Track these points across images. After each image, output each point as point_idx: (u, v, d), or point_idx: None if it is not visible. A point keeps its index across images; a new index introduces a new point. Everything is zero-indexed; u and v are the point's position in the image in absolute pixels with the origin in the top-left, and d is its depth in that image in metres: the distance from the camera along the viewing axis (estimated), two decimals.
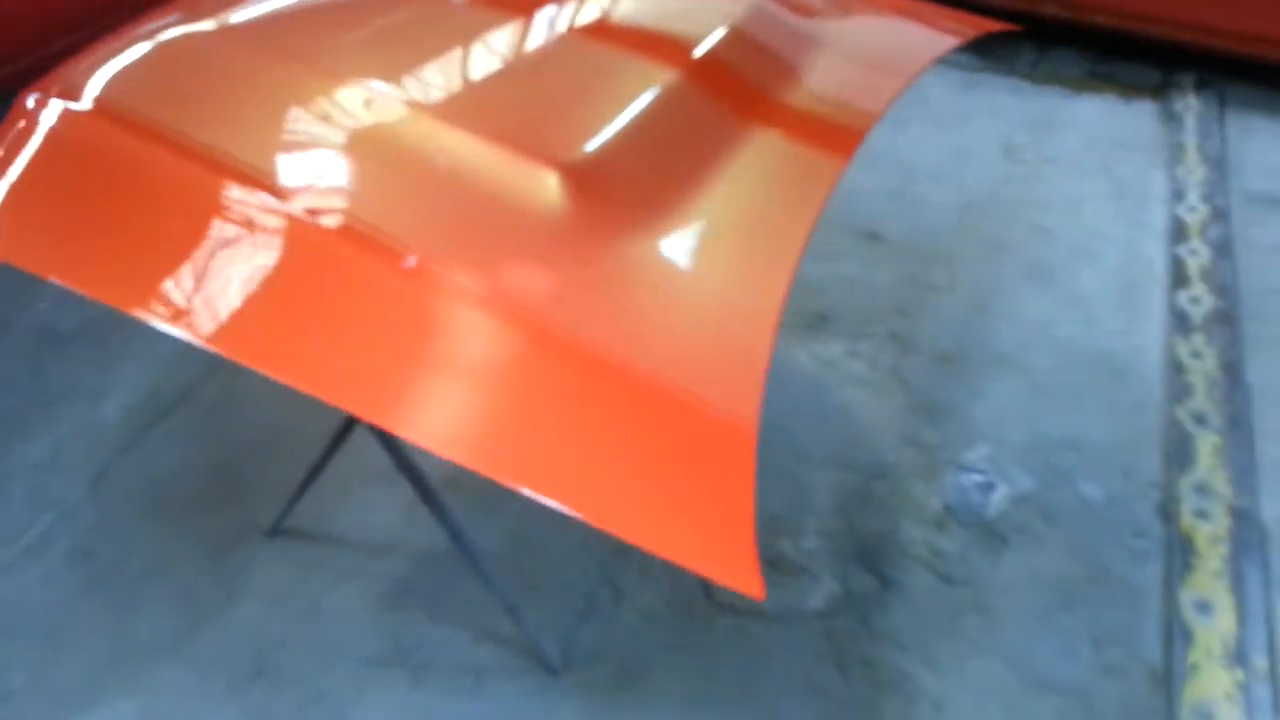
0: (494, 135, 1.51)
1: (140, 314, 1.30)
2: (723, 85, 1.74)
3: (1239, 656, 2.07)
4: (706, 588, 2.17)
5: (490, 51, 1.75)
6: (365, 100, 1.60)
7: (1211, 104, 4.18)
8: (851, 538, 2.28)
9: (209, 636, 2.05)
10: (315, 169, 1.48)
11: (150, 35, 1.76)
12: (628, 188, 1.47)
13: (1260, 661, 2.06)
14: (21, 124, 1.61)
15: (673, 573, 2.19)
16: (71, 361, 2.71)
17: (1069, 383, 2.74)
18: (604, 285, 1.36)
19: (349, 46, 1.79)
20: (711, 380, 1.23)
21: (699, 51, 1.77)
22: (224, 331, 1.26)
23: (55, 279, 1.36)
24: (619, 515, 1.11)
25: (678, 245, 1.42)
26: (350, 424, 2.04)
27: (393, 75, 1.64)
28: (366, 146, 1.53)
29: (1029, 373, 2.77)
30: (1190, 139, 3.93)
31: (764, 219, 1.49)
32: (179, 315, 1.28)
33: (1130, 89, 4.32)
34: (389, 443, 1.88)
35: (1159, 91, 4.29)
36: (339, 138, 1.54)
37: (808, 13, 2.11)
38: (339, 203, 1.42)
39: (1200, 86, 4.31)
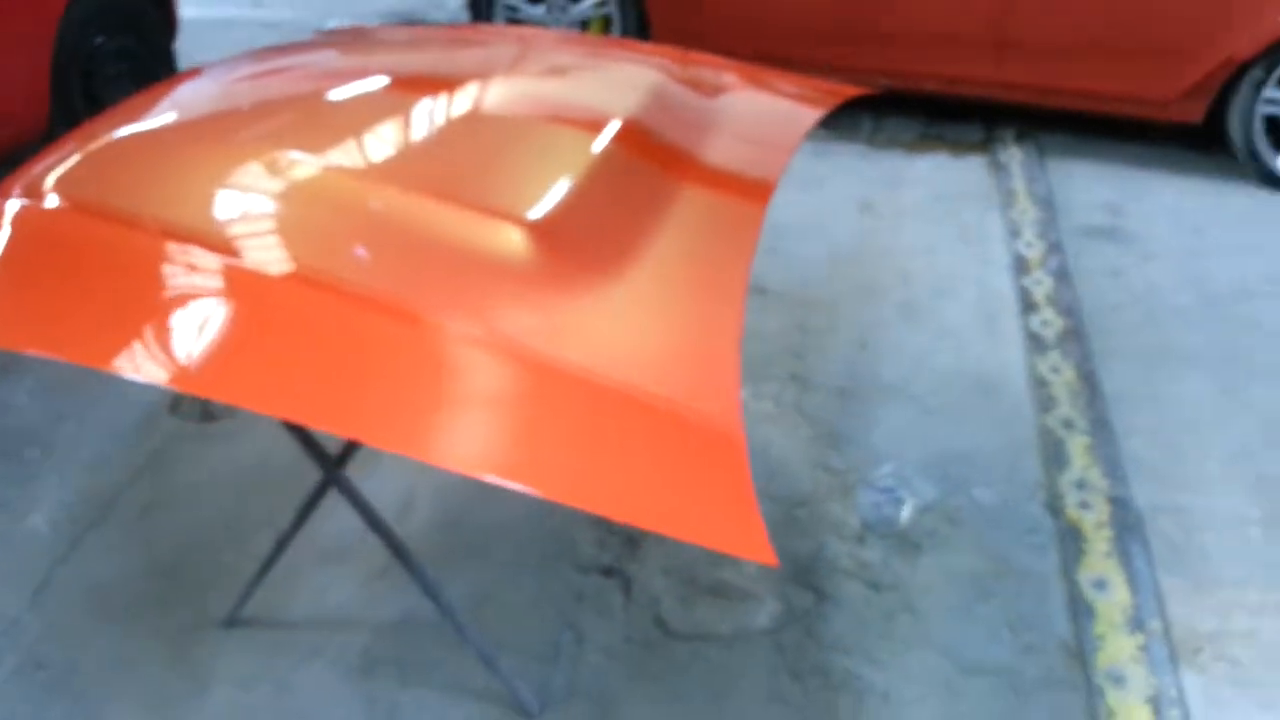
0: (454, 198, 1.66)
1: (150, 374, 1.36)
2: (646, 149, 1.96)
3: (1137, 622, 2.34)
4: (660, 620, 2.31)
5: (425, 122, 1.92)
6: (308, 170, 1.71)
7: (1031, 153, 4.70)
8: (785, 559, 2.46)
9: None
10: (274, 234, 1.60)
11: (95, 136, 1.86)
12: (584, 237, 1.65)
13: (1155, 624, 2.33)
14: None
15: (627, 609, 2.32)
16: None
17: (951, 403, 3.03)
18: (582, 319, 1.52)
19: (286, 123, 1.92)
20: (696, 390, 1.40)
21: (619, 122, 1.98)
22: (223, 375, 1.35)
23: (32, 351, 1.42)
24: (637, 508, 1.25)
25: (637, 282, 1.60)
26: (320, 493, 2.10)
27: (333, 147, 1.78)
28: (322, 211, 1.65)
29: (915, 398, 3.05)
30: (1019, 184, 4.41)
31: (708, 257, 1.70)
32: (172, 367, 1.35)
33: (960, 145, 4.81)
34: (360, 503, 1.97)
35: (985, 146, 4.80)
36: (296, 207, 1.66)
37: (699, 88, 2.37)
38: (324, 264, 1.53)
39: (1020, 138, 4.84)
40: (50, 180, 1.72)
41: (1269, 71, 4.23)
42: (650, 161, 1.94)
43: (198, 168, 1.73)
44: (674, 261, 1.67)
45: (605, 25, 4.95)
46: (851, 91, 2.58)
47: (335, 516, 2.37)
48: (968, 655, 2.25)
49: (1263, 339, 3.41)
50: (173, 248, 1.53)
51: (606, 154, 1.86)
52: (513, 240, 1.59)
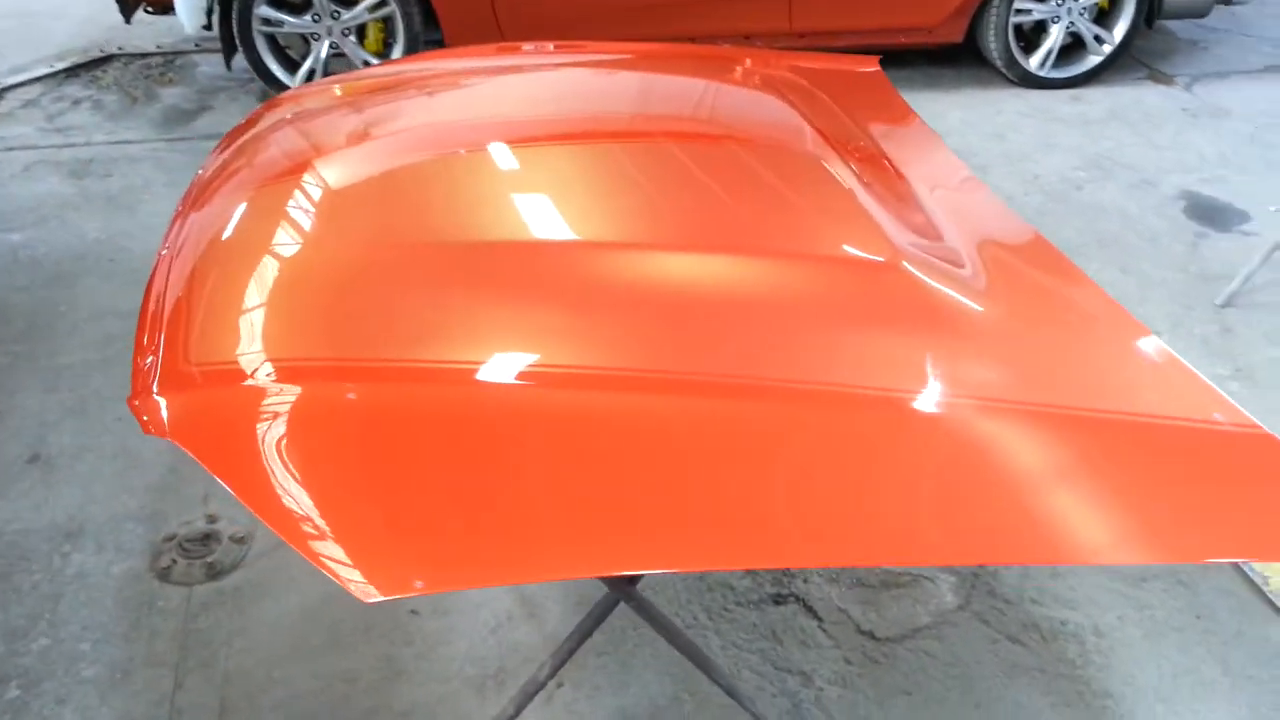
0: (811, 248, 1.45)
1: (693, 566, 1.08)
2: (873, 167, 1.82)
3: None
4: (861, 629, 2.21)
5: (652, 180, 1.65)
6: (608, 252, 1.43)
7: None
8: None
9: None
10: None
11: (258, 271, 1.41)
12: (939, 263, 1.49)
13: None
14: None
15: (826, 631, 2.20)
16: None
17: None
18: (1018, 354, 1.38)
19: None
20: (1181, 398, 1.32)
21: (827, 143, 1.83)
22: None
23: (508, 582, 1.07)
24: (1241, 542, 1.17)
25: (1006, 298, 1.48)
26: (607, 611, 1.74)
27: (606, 225, 1.49)
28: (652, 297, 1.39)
29: None
30: None
31: (1023, 254, 1.61)
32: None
33: None
34: (656, 618, 1.70)
35: None
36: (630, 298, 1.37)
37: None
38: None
39: None
40: (273, 348, 1.29)
41: None
42: (880, 175, 1.81)
43: (468, 291, 1.38)
44: (1009, 265, 1.57)
45: (385, 28, 4.49)
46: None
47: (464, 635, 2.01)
48: (1127, 570, 2.36)
49: (1118, 219, 3.85)
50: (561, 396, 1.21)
51: (848, 175, 1.70)
52: (903, 280, 1.41)
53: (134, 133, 4.47)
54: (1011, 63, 4.91)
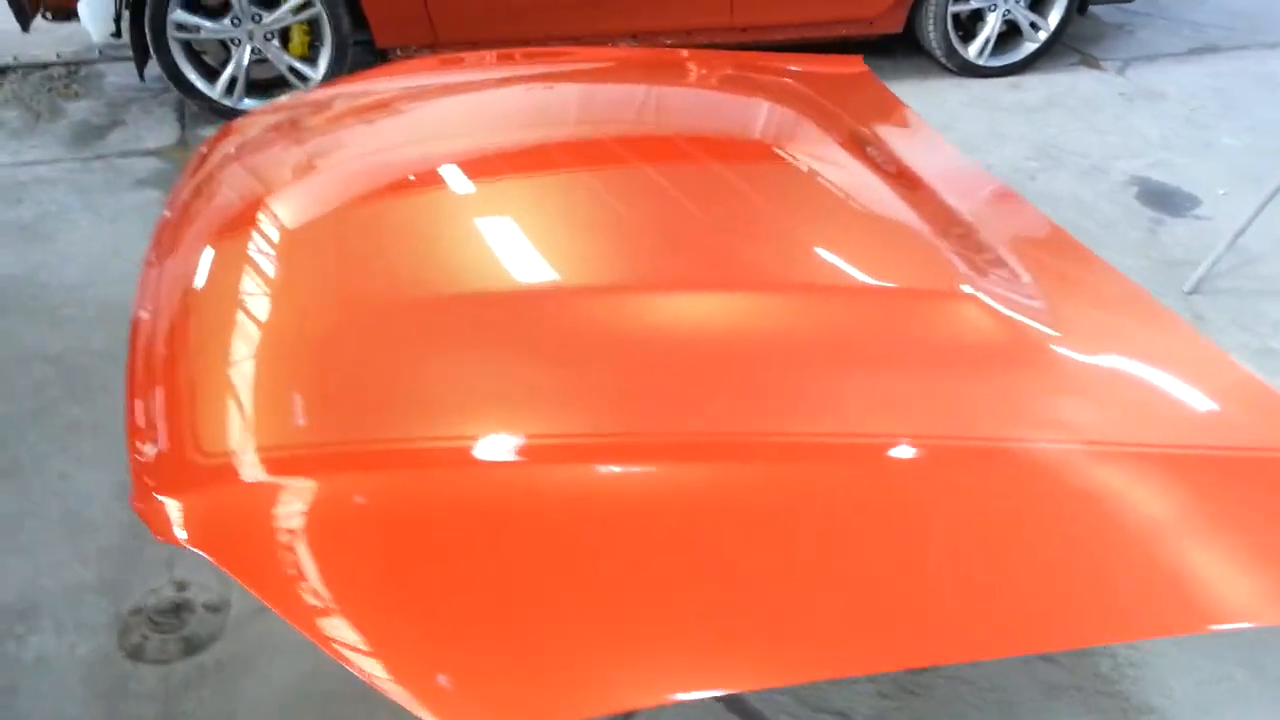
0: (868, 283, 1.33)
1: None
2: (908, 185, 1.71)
3: None
4: None
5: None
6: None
7: None
8: None
9: None
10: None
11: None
12: (1003, 283, 1.39)
13: None
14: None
15: None
16: None
17: None
18: (1094, 388, 1.29)
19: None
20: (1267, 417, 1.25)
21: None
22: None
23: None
24: None
25: (1074, 314, 1.39)
26: None
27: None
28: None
29: None
30: None
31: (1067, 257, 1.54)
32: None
33: None
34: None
35: None
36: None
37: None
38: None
39: None
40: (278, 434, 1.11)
41: None
42: (908, 190, 1.70)
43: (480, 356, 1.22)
44: (1064, 283, 1.48)
45: (310, 30, 4.23)
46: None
47: None
48: None
49: (1074, 207, 3.85)
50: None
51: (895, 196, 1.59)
52: (971, 316, 1.30)
53: (41, 152, 4.13)
54: (951, 52, 4.89)
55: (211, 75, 4.23)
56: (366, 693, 1.99)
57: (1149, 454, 1.18)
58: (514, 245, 1.49)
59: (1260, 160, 4.20)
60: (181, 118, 4.42)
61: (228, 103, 4.22)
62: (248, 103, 4.21)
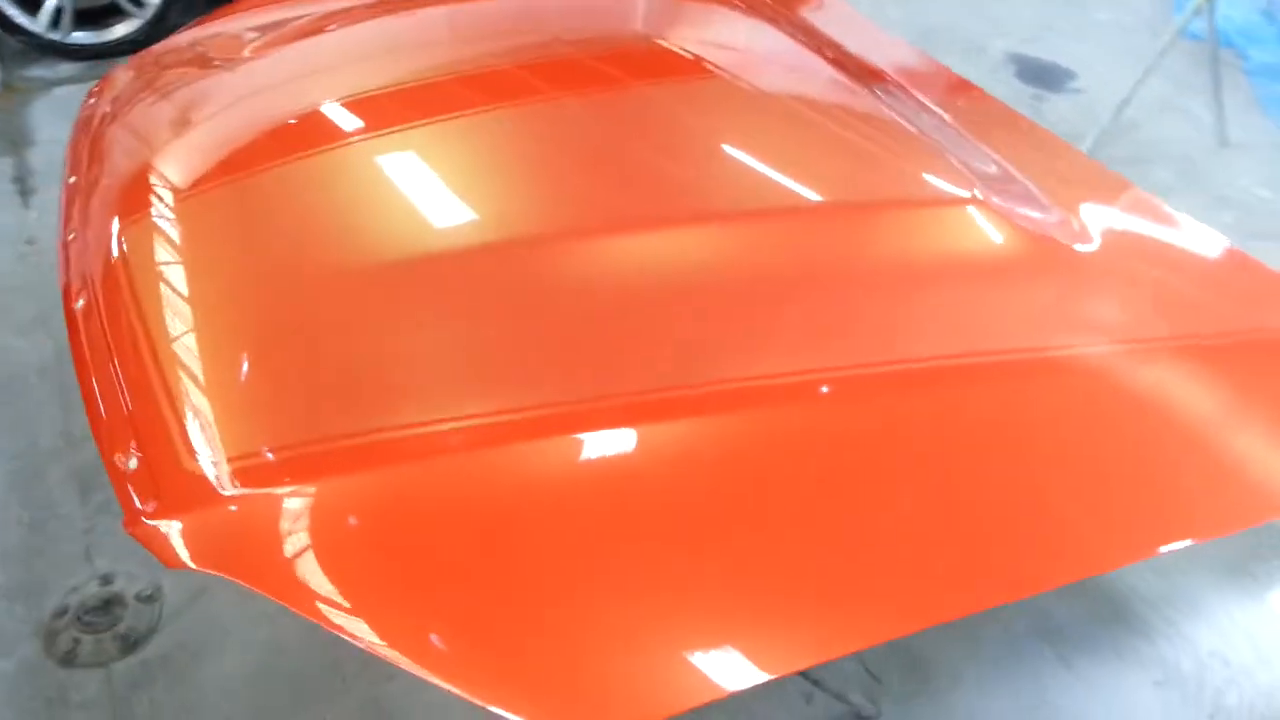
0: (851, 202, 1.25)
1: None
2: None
3: None
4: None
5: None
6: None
7: None
8: None
9: None
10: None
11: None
12: (1009, 201, 1.34)
13: None
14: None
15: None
16: None
17: None
18: (1123, 288, 1.26)
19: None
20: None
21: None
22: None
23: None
24: None
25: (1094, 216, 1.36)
26: None
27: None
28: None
29: None
30: None
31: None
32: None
33: None
34: None
35: None
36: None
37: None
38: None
39: None
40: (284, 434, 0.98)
41: None
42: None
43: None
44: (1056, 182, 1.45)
45: None
46: None
47: None
48: None
49: None
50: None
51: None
52: (981, 222, 1.25)
53: None
54: None
55: (33, 7, 3.78)
56: (337, 664, 1.89)
57: (1196, 346, 1.17)
58: (445, 201, 1.35)
59: (1129, 35, 4.30)
60: (1, 57, 3.96)
61: (54, 37, 3.79)
62: (77, 36, 3.80)
